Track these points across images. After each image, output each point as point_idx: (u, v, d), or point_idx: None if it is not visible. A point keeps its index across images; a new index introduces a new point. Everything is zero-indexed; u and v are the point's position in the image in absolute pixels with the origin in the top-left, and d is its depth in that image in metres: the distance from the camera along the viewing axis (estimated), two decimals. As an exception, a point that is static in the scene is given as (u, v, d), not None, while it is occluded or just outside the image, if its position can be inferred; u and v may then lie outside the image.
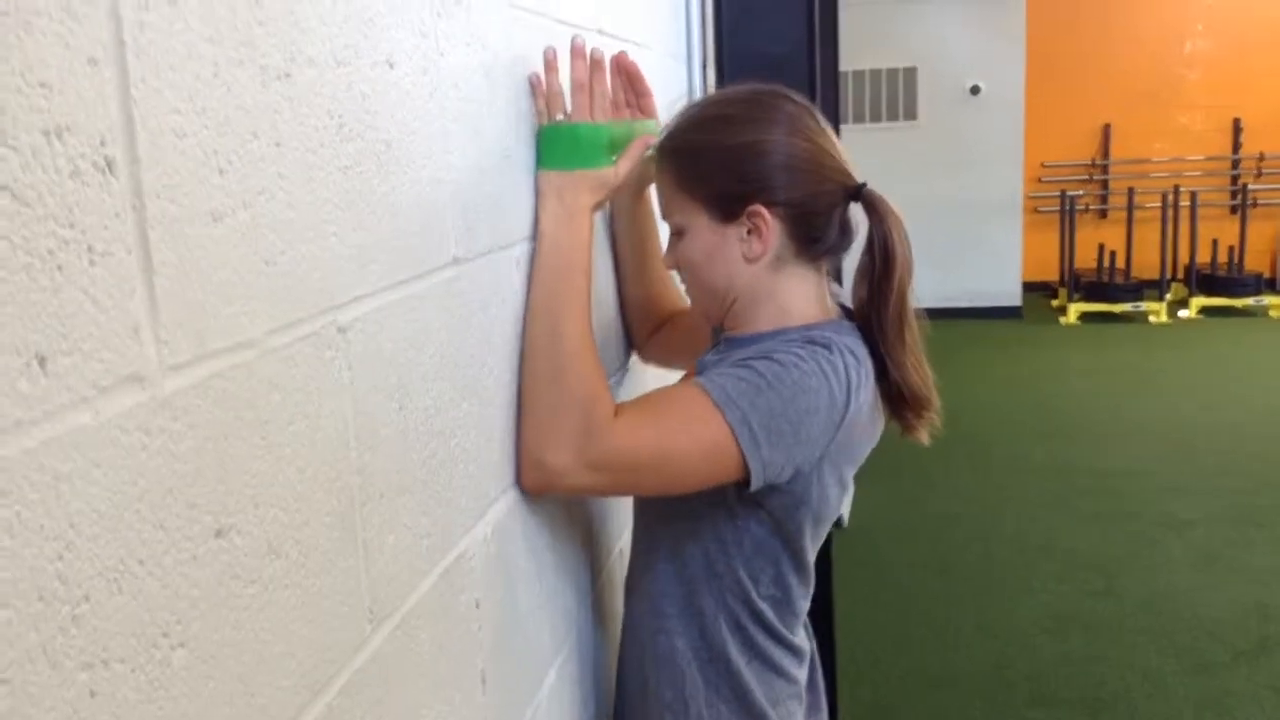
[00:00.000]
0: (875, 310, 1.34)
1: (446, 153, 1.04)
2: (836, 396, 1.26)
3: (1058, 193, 9.38)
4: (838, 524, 4.89)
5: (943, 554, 4.61)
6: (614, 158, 1.28)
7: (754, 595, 1.34)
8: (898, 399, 1.36)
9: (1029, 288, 9.33)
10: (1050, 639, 3.83)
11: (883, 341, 1.35)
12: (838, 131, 1.45)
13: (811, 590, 1.43)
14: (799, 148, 1.32)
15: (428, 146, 1.00)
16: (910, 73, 8.93)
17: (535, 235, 1.26)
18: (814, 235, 1.34)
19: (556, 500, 1.37)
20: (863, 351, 1.34)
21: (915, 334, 1.37)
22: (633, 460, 1.24)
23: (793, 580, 1.37)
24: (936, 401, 1.39)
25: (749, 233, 1.32)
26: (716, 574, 1.34)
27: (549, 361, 1.23)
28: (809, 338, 1.30)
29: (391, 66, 0.94)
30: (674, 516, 1.36)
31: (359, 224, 0.88)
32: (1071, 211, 9.06)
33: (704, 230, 1.34)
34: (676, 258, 1.38)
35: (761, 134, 1.32)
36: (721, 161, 1.33)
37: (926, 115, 8.95)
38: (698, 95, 2.52)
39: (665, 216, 1.39)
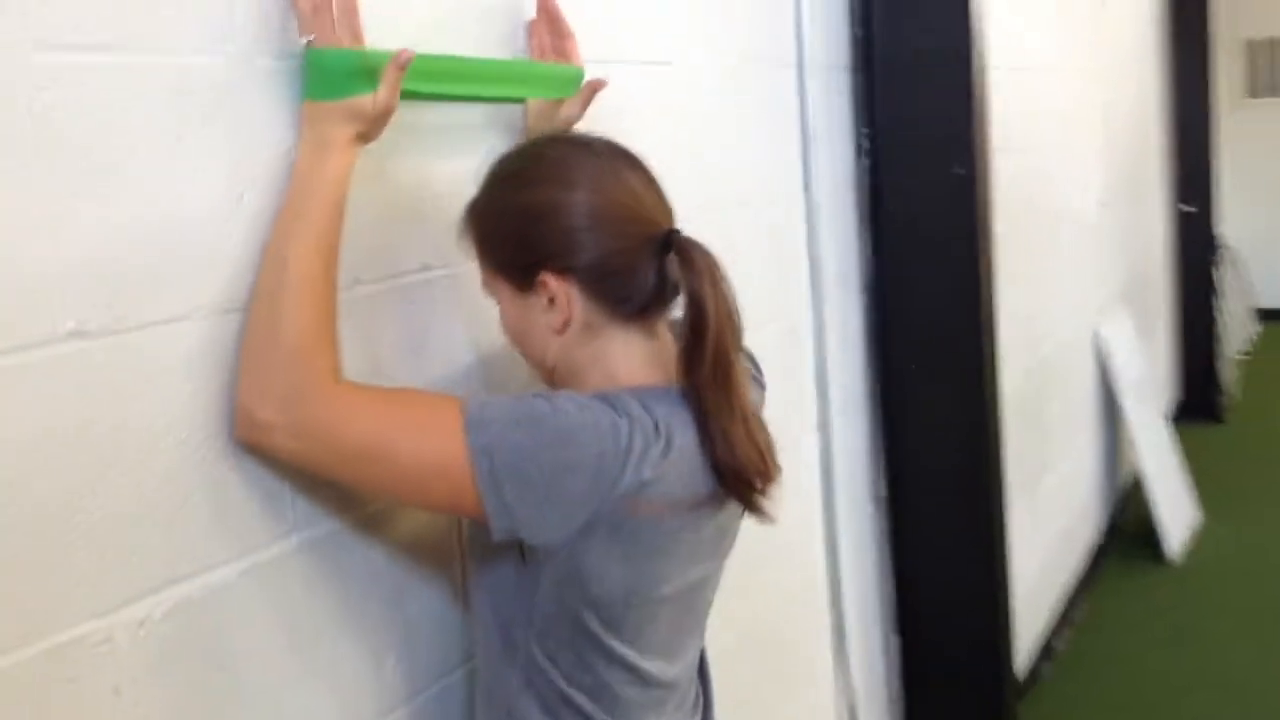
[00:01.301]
0: (691, 374, 1.16)
1: (41, 218, 0.99)
2: (608, 461, 1.10)
3: None
4: (1160, 559, 4.23)
5: (1289, 605, 3.95)
6: (376, 86, 1.16)
7: (558, 679, 1.20)
8: (726, 473, 1.17)
9: None
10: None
11: (701, 408, 1.16)
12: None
13: (663, 682, 1.26)
14: (586, 205, 1.17)
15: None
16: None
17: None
18: (623, 295, 1.19)
19: (365, 563, 1.30)
20: (676, 421, 1.16)
21: (743, 398, 1.18)
22: (340, 441, 1.12)
23: (601, 667, 1.20)
24: (775, 473, 1.20)
25: (550, 302, 1.18)
26: (514, 646, 1.21)
27: (267, 303, 1.12)
28: (602, 395, 1.15)
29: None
30: (479, 579, 1.26)
31: None
32: None
33: (509, 302, 1.23)
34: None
35: (542, 195, 1.18)
36: (505, 227, 1.21)
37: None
38: (819, 114, 2.29)
39: (483, 285, 1.27)
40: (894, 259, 2.42)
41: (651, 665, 1.24)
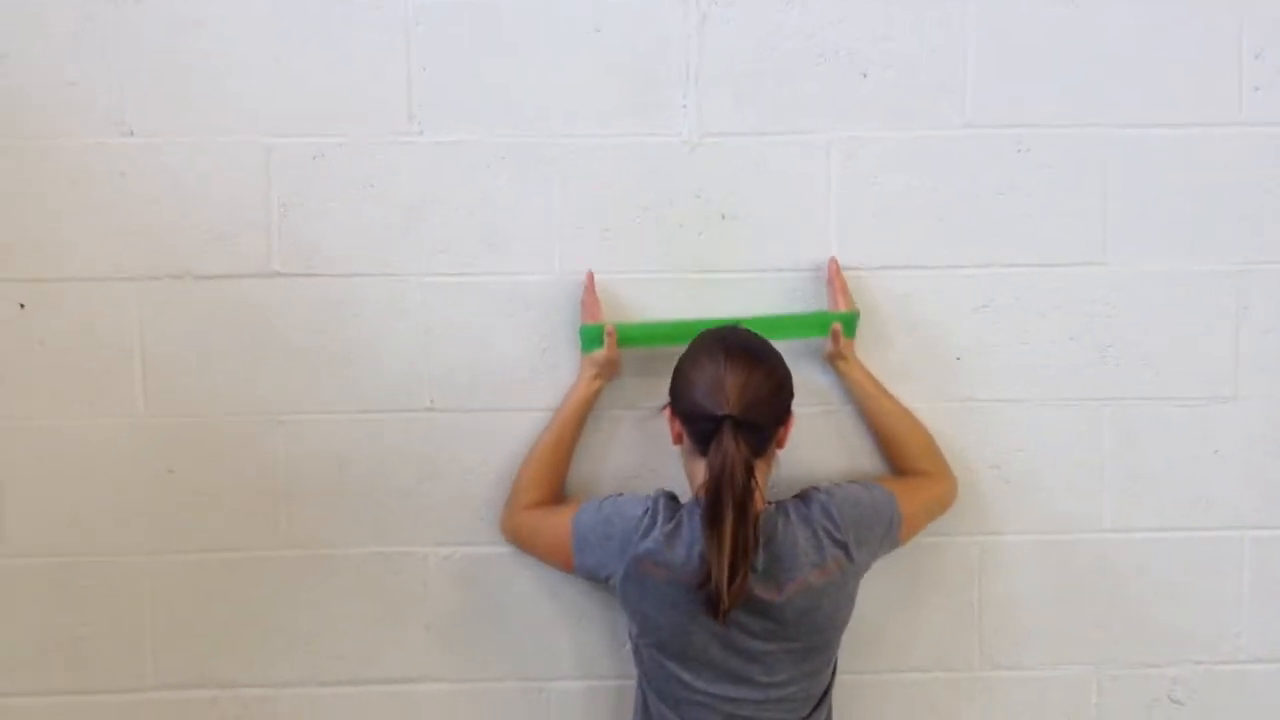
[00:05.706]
0: (700, 506, 1.71)
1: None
2: (630, 531, 1.76)
3: None
4: None
5: None
6: (604, 345, 1.93)
7: (642, 679, 1.83)
8: (702, 578, 1.68)
9: None
10: None
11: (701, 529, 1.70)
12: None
13: (718, 695, 1.75)
14: (685, 375, 1.76)
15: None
16: None
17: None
18: (699, 441, 1.73)
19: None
20: (687, 526, 1.74)
21: (727, 537, 1.66)
22: (512, 539, 1.99)
23: (652, 669, 1.80)
24: (730, 599, 1.66)
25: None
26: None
27: (525, 457, 1.97)
28: (658, 497, 1.81)
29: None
30: None
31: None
32: None
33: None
34: None
35: (680, 361, 1.79)
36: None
37: None
38: None
39: None
40: None
41: (699, 680, 1.76)
